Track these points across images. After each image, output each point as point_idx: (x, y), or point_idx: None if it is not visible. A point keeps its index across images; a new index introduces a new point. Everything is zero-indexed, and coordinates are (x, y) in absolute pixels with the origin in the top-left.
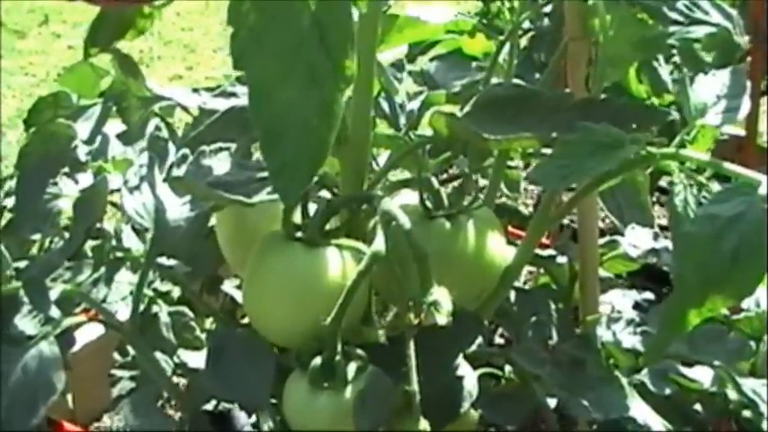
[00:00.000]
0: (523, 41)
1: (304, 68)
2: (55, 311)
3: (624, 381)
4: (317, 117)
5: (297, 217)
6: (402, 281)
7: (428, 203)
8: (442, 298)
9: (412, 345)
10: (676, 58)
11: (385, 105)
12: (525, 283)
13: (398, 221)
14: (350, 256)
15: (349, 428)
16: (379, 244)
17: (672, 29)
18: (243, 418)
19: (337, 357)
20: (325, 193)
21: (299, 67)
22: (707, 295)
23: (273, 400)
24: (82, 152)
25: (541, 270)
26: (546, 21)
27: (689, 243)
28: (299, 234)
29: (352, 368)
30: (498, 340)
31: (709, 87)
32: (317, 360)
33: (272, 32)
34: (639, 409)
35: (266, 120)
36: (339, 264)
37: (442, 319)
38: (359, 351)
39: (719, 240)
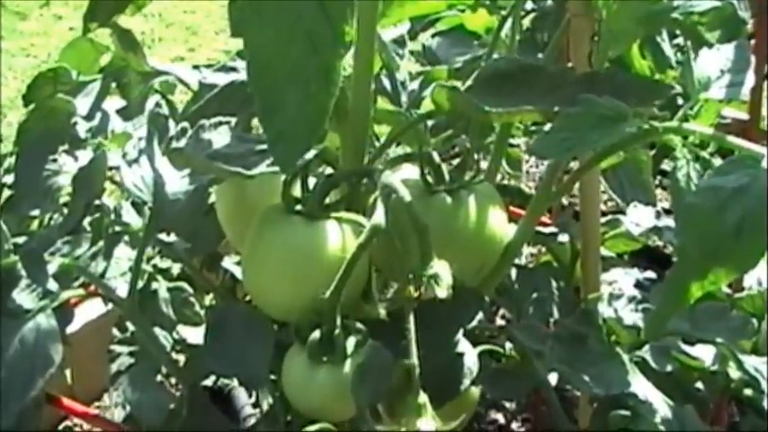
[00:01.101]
0: (526, 22)
1: (303, 35)
2: (53, 285)
3: (625, 357)
4: (316, 83)
5: (297, 191)
6: (402, 254)
7: (429, 178)
8: (442, 271)
9: (412, 319)
10: (680, 40)
11: (386, 82)
12: (528, 263)
13: (399, 194)
14: (350, 229)
15: (348, 402)
16: (380, 217)
17: (675, 3)
18: (244, 397)
19: (336, 331)
20: (326, 168)
21: (299, 34)
22: (709, 268)
23: (273, 376)
24: (82, 129)
25: (544, 250)
26: (549, 1)
27: (692, 214)
28: (298, 207)
29: (351, 342)
30: (500, 322)
31: (713, 62)
32: (316, 334)
33: None
34: (640, 386)
35: (265, 87)
36: (339, 237)
37: (442, 292)
38: (358, 325)
39: (723, 212)
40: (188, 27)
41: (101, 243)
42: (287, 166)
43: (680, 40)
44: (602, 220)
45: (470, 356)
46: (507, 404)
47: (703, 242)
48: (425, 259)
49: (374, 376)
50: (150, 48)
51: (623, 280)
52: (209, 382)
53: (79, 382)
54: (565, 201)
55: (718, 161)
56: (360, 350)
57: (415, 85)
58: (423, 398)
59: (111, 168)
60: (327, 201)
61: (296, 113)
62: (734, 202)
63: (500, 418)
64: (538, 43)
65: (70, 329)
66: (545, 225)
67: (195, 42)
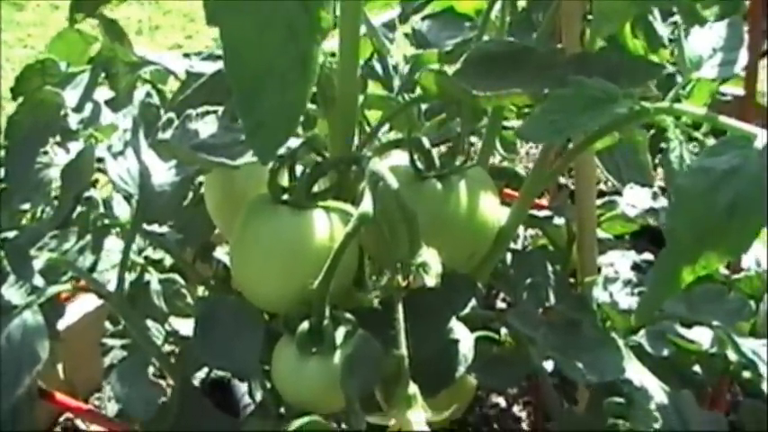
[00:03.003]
0: (522, 2)
1: (281, 22)
2: (39, 281)
3: (621, 342)
4: (293, 72)
5: (284, 180)
6: (391, 243)
7: (419, 164)
8: (430, 259)
9: (401, 308)
10: (677, 18)
11: (378, 67)
12: (526, 246)
13: (386, 182)
14: (337, 218)
15: (338, 394)
16: (367, 205)
17: None
18: (244, 386)
19: (325, 322)
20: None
21: (276, 21)
22: (701, 251)
23: (267, 367)
24: (73, 120)
25: (540, 233)
26: None
27: (682, 197)
28: (285, 197)
29: (340, 333)
30: (500, 305)
31: (706, 40)
32: (305, 325)
33: None
34: (635, 371)
35: (242, 77)
36: (326, 226)
37: (431, 280)
38: (348, 315)
39: (714, 194)
40: (185, 14)
41: (89, 237)
42: (266, 157)
43: (676, 18)
44: (599, 201)
45: (466, 343)
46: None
47: (694, 225)
48: (414, 247)
49: (363, 367)
50: (148, 35)
51: (620, 262)
52: (208, 373)
53: (77, 374)
54: (563, 180)
55: (711, 141)
56: (349, 341)
57: (408, 68)
58: (413, 388)
59: (101, 160)
60: (317, 188)
61: (274, 103)
62: (725, 184)
63: (501, 401)
64: (533, 23)
65: (67, 322)
66: (542, 207)
67: (193, 29)
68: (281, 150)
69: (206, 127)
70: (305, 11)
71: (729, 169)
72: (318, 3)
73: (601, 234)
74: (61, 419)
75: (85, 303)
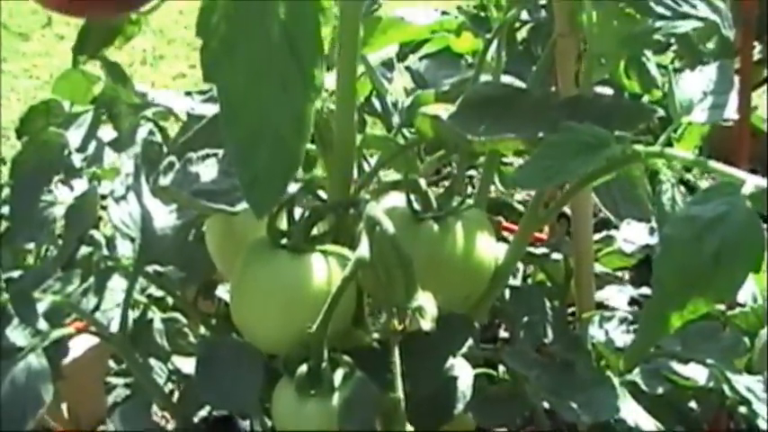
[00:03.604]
0: (523, 33)
1: (275, 79)
2: (43, 324)
3: (616, 381)
4: (288, 127)
5: (283, 223)
6: (387, 286)
7: (416, 205)
8: (426, 303)
9: (397, 351)
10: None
11: (377, 105)
12: (527, 276)
13: (382, 227)
14: (335, 262)
15: None
16: (364, 250)
17: (658, 23)
18: (246, 424)
19: (324, 364)
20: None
21: (271, 78)
22: (688, 298)
23: (267, 405)
24: (77, 159)
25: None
26: (543, 12)
27: (669, 245)
28: (284, 241)
29: (339, 375)
30: (504, 334)
31: (696, 83)
32: (304, 368)
33: (243, 43)
34: (630, 410)
35: (238, 132)
36: (324, 270)
37: (427, 324)
38: (346, 357)
39: (700, 242)
40: (189, 43)
41: (91, 279)
42: (262, 210)
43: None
44: (597, 236)
45: (464, 380)
46: None
47: (681, 273)
48: (410, 291)
49: (361, 409)
50: (152, 65)
51: (617, 297)
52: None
53: (81, 408)
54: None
55: (704, 183)
56: (347, 383)
57: (408, 103)
58: (409, 429)
59: (105, 197)
60: (316, 231)
61: (269, 158)
62: (711, 232)
63: None
64: (533, 55)
65: (71, 356)
66: (540, 242)
67: (196, 58)
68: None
69: (207, 170)
70: (298, 68)
71: (715, 217)
72: (311, 59)
73: (599, 268)
74: None
75: (90, 337)
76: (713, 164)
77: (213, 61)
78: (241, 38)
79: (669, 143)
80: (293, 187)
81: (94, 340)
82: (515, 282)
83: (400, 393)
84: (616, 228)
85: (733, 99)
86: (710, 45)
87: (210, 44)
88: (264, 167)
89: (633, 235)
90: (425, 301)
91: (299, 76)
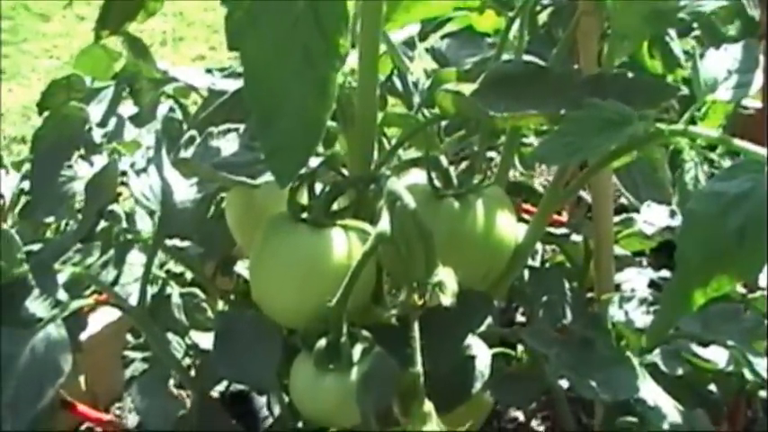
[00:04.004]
0: (543, 17)
1: (299, 48)
2: (63, 295)
3: (635, 361)
4: (312, 97)
5: (304, 198)
6: (407, 261)
7: (437, 183)
8: (447, 278)
9: (416, 326)
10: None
11: (398, 84)
12: (546, 260)
13: (403, 202)
14: (355, 236)
15: (354, 410)
16: (385, 225)
17: (682, 2)
18: (263, 400)
19: (342, 339)
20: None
21: (295, 48)
22: (711, 275)
23: (285, 381)
24: (98, 134)
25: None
26: None
27: (693, 221)
28: (304, 215)
29: (357, 350)
30: (521, 318)
31: (720, 62)
32: (322, 342)
33: (268, 12)
34: (650, 390)
35: (261, 101)
36: (344, 245)
37: (447, 299)
38: (365, 333)
39: (725, 218)
40: (209, 25)
41: (112, 251)
42: (284, 180)
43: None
44: (617, 218)
45: (483, 360)
46: None
47: (705, 249)
48: (430, 266)
49: (379, 384)
50: (172, 47)
51: (636, 280)
52: (228, 386)
53: (99, 383)
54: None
55: (728, 162)
56: (366, 358)
57: (429, 82)
58: (428, 406)
59: (125, 173)
60: (337, 206)
61: (292, 127)
62: (736, 208)
63: (520, 415)
64: (554, 39)
65: (89, 332)
66: (560, 224)
67: (216, 41)
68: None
69: (227, 145)
70: (322, 38)
71: (740, 193)
72: (336, 29)
73: (618, 251)
74: (83, 428)
75: (108, 313)
76: (738, 141)
77: (237, 30)
78: (266, 7)
79: (693, 121)
80: (314, 162)
81: (111, 317)
82: (534, 263)
83: (419, 368)
84: (636, 212)
85: (759, 78)
86: (732, 32)
87: (235, 14)
88: (288, 136)
89: (654, 217)
90: (446, 276)
91: (324, 46)
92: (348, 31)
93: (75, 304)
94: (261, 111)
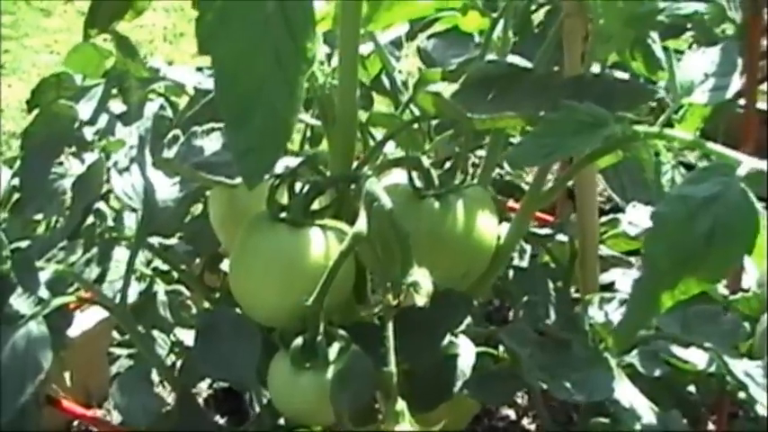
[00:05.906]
0: (540, 15)
1: (269, 51)
2: (44, 292)
3: (613, 362)
4: (281, 99)
5: (284, 197)
6: (384, 262)
7: (417, 183)
8: (421, 279)
9: (391, 326)
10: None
11: (386, 82)
12: (535, 257)
13: (380, 202)
14: (333, 236)
15: (330, 407)
16: (362, 225)
17: (662, 5)
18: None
19: (319, 338)
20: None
21: (265, 50)
22: (679, 277)
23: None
24: (89, 132)
25: None
26: None
27: (661, 224)
28: (283, 215)
29: (334, 349)
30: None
31: (697, 65)
32: (299, 340)
33: (238, 15)
34: (626, 392)
35: (231, 102)
36: (322, 244)
37: (421, 299)
38: (341, 332)
39: (693, 221)
40: None
41: (94, 249)
42: (253, 180)
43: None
44: (603, 218)
45: (465, 359)
46: (519, 400)
47: (673, 252)
48: (405, 267)
49: (354, 382)
50: (172, 43)
51: (621, 280)
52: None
53: (92, 380)
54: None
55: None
56: (342, 357)
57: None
58: (400, 405)
59: None
60: (317, 206)
61: (261, 129)
62: (704, 211)
63: (511, 413)
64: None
65: (82, 329)
66: (545, 222)
67: None
68: (279, 169)
69: (211, 144)
70: (291, 40)
71: (709, 196)
72: (304, 31)
73: (604, 251)
74: (75, 423)
75: (101, 310)
76: (711, 145)
77: (208, 33)
78: (236, 10)
79: (670, 124)
80: (294, 161)
81: (104, 314)
82: (522, 263)
83: (392, 368)
84: (622, 211)
85: (735, 81)
86: (729, 31)
87: (206, 15)
88: (257, 137)
89: (638, 218)
90: (421, 276)
91: (293, 48)
92: (315, 33)
93: (57, 302)
94: (232, 112)
